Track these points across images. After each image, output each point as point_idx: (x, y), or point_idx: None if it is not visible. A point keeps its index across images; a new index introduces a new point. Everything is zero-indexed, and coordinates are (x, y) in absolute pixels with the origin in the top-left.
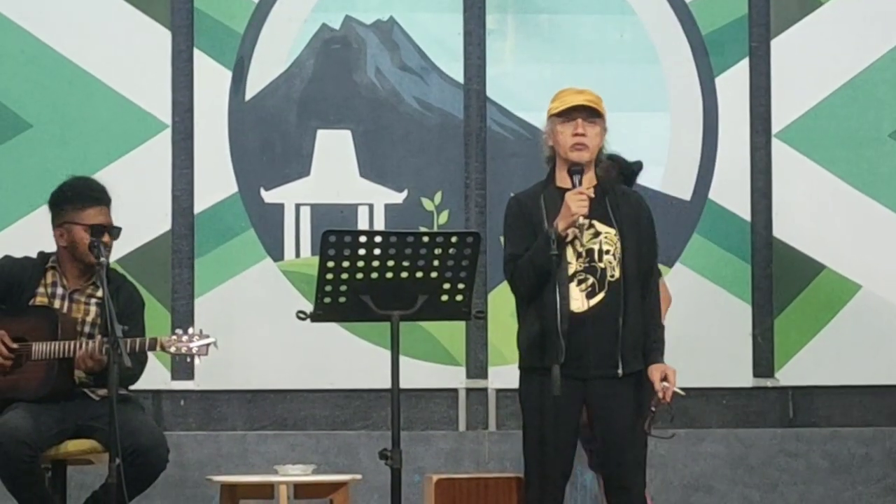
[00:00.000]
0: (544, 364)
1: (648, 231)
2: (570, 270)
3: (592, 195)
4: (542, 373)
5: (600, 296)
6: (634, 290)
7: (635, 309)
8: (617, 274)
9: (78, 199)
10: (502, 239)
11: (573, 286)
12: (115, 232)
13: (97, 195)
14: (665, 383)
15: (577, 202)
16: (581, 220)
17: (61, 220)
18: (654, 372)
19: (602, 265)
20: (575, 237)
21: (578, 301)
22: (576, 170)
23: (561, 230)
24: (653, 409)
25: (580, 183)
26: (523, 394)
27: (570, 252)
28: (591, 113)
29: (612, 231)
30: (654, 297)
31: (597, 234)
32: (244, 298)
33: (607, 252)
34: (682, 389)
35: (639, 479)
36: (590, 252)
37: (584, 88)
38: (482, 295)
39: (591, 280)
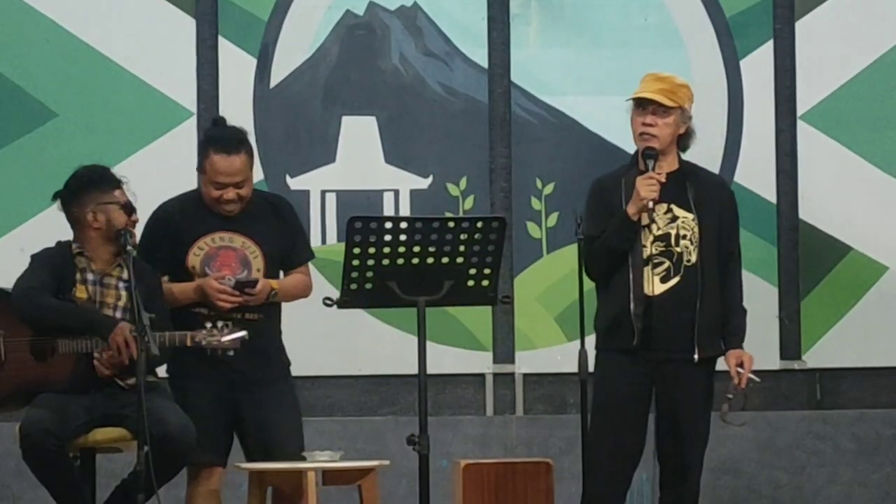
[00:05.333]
0: (619, 346)
1: (730, 216)
2: (645, 254)
3: (664, 180)
4: (617, 354)
5: (675, 280)
6: (712, 275)
7: (712, 294)
8: (694, 259)
9: (104, 181)
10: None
11: (648, 270)
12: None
13: (117, 177)
14: (741, 369)
15: (646, 186)
16: (651, 204)
17: (93, 204)
18: (731, 358)
19: (678, 249)
20: (651, 221)
21: (653, 285)
22: (648, 154)
23: (631, 213)
24: (729, 395)
25: (652, 168)
26: (597, 375)
27: (645, 236)
28: (661, 104)
29: (690, 216)
30: (735, 282)
31: (674, 218)
32: None
33: (684, 237)
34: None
35: (697, 466)
36: (666, 236)
37: (668, 75)
38: (508, 280)
39: (666, 264)
